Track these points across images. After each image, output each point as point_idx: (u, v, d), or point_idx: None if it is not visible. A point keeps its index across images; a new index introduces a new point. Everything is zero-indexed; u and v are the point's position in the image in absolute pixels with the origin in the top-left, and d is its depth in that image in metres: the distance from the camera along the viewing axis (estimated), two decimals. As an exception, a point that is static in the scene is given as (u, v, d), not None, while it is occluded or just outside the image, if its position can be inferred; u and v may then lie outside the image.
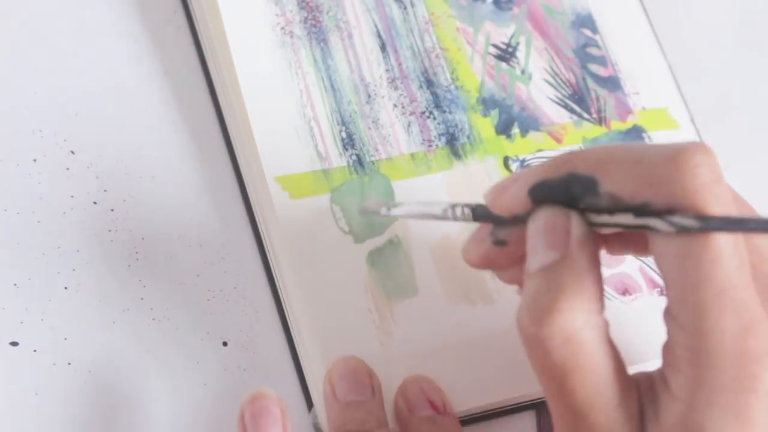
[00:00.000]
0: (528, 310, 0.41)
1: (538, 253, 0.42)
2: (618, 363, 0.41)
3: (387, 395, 0.50)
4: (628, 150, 0.40)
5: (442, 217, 0.47)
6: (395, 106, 0.56)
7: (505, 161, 0.56)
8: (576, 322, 0.40)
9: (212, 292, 0.52)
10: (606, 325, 0.41)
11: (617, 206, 0.40)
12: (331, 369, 0.49)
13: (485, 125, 0.57)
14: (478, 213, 0.46)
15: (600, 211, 0.41)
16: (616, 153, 0.41)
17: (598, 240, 0.42)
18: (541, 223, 0.42)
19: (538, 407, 0.53)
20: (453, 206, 0.47)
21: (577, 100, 0.59)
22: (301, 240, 0.51)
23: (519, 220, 0.43)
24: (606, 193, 0.40)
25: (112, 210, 0.53)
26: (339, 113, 0.55)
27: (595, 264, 0.41)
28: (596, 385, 0.40)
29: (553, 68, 0.59)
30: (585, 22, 0.61)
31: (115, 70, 0.55)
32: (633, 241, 0.45)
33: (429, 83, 0.57)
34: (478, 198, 0.53)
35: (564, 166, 0.42)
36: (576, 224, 0.41)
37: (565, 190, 0.41)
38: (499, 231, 0.45)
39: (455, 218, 0.47)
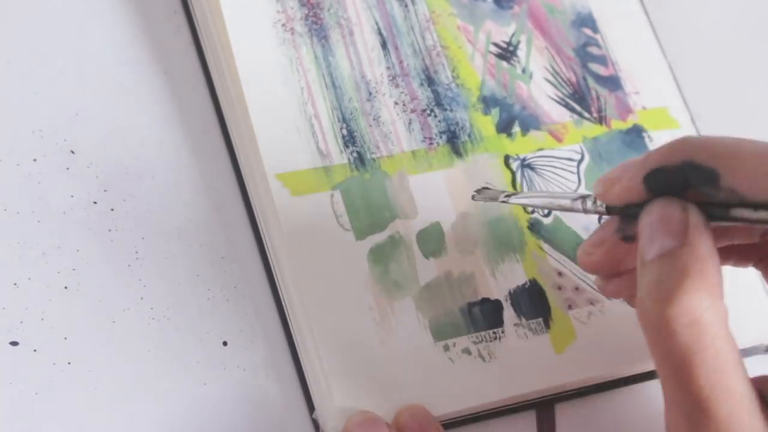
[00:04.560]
0: (651, 292, 0.41)
1: (656, 241, 0.42)
2: (739, 354, 0.41)
3: (385, 397, 0.50)
4: (756, 146, 0.41)
5: (570, 209, 0.48)
6: (396, 103, 0.56)
7: (506, 160, 0.56)
8: (702, 305, 0.40)
9: (212, 292, 0.52)
10: (727, 314, 0.41)
11: (737, 201, 0.41)
12: (349, 420, 0.49)
13: (486, 123, 0.57)
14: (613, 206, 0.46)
15: (716, 203, 0.41)
16: (742, 148, 0.41)
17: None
18: (660, 212, 0.42)
19: (538, 407, 0.53)
20: (584, 197, 0.47)
21: (578, 99, 0.59)
22: (302, 237, 0.52)
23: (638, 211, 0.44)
24: (727, 187, 0.41)
25: (112, 210, 0.52)
26: (340, 110, 0.55)
27: (714, 253, 0.41)
28: (721, 372, 0.40)
29: (553, 67, 0.59)
30: (585, 21, 0.61)
31: (115, 70, 0.55)
32: (735, 251, 0.46)
33: (430, 81, 0.57)
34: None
35: (682, 154, 0.42)
36: (694, 213, 0.42)
37: (682, 179, 0.42)
38: (627, 226, 0.45)
39: (585, 210, 0.47)
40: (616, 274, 0.48)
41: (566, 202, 0.48)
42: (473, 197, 0.53)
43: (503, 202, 0.52)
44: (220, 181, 0.54)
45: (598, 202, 0.46)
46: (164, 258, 0.52)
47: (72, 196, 0.52)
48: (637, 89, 0.60)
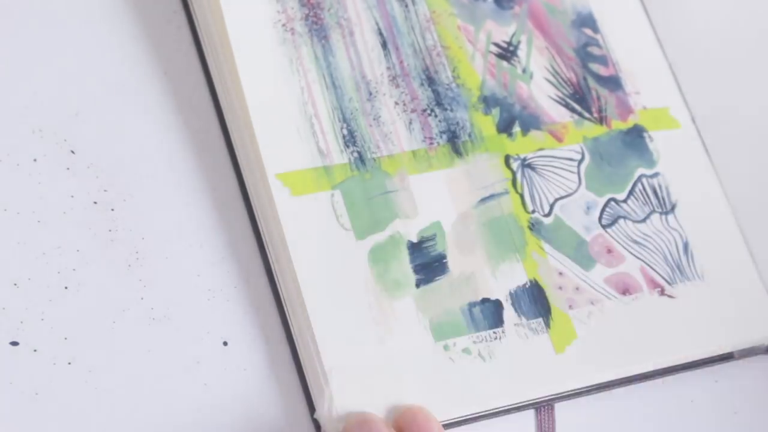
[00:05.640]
0: None
1: None
2: None
3: (385, 397, 0.50)
4: None
5: None
6: (396, 103, 0.56)
7: (506, 159, 0.56)
8: None
9: (212, 292, 0.52)
10: None
11: None
12: (349, 420, 0.49)
13: (486, 123, 0.57)
14: None
15: None
16: None
17: None
18: None
19: (538, 407, 0.53)
20: None
21: (579, 99, 0.59)
22: (302, 237, 0.52)
23: None
24: None
25: (112, 210, 0.53)
26: (340, 110, 0.55)
27: None
28: None
29: (554, 67, 0.59)
30: (586, 21, 0.61)
31: (115, 70, 0.55)
32: None
33: (430, 81, 0.57)
34: (480, 197, 0.53)
35: None
36: None
37: None
38: None
39: None
40: None
41: None
42: None
43: None
44: (220, 182, 0.54)
45: None
46: (164, 258, 0.52)
47: (72, 196, 0.52)
48: (637, 89, 0.60)
